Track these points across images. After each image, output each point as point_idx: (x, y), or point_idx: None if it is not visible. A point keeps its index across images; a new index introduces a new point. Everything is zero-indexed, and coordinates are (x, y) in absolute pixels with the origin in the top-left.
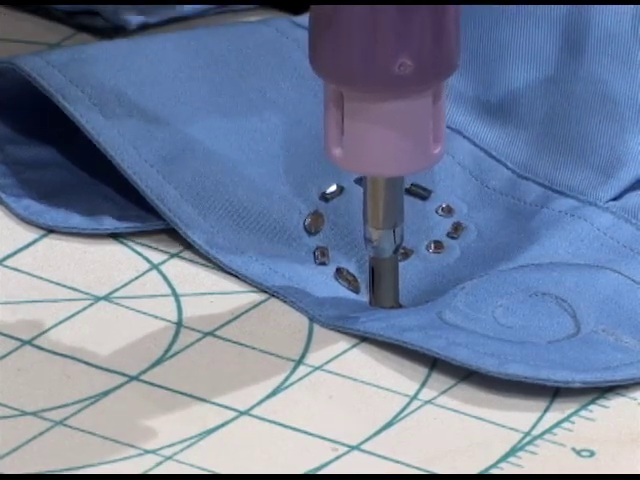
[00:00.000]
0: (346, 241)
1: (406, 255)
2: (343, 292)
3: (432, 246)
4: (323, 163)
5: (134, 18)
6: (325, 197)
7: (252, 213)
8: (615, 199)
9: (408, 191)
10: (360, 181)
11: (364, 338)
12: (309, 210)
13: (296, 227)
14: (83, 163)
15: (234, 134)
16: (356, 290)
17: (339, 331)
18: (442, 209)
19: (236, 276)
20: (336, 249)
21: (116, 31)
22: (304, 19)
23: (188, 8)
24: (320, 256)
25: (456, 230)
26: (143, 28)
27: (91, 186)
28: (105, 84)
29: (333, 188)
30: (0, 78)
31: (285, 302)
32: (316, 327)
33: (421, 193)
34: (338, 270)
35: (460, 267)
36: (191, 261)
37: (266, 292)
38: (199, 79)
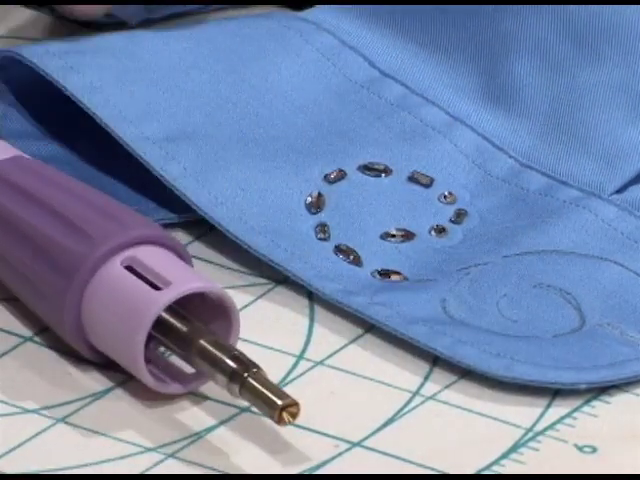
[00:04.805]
0: (348, 222)
1: (408, 237)
2: (344, 266)
3: (434, 230)
4: (325, 148)
5: (136, 14)
6: (328, 179)
7: (254, 189)
8: (619, 192)
9: (410, 179)
10: (364, 168)
11: (365, 331)
12: (310, 190)
13: (297, 205)
14: (85, 159)
15: (235, 118)
16: (357, 264)
17: (341, 317)
18: (444, 196)
19: (236, 270)
20: (337, 228)
21: (119, 27)
22: (306, 14)
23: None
24: (320, 232)
25: (459, 216)
26: (145, 24)
27: (93, 181)
28: (106, 70)
29: (335, 172)
30: (1, 72)
31: (286, 288)
32: (317, 322)
33: (423, 181)
34: (337, 247)
35: (463, 249)
36: (192, 257)
37: (265, 285)
38: (201, 67)
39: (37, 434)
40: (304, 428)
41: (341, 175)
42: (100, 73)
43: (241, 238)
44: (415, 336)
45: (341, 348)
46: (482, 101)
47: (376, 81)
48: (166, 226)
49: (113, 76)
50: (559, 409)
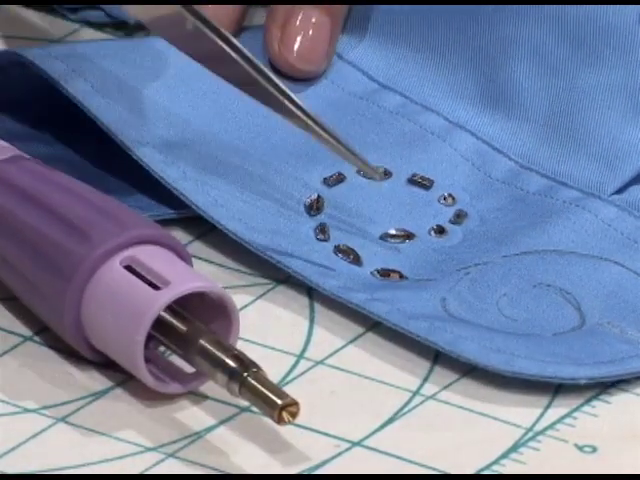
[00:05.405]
0: (347, 223)
1: (408, 238)
2: (344, 265)
3: (434, 231)
4: (324, 153)
5: None
6: (327, 183)
7: (254, 192)
8: (618, 192)
9: (410, 181)
10: (363, 171)
11: (365, 331)
12: (310, 193)
13: (297, 207)
14: (85, 159)
15: (234, 127)
16: (357, 263)
17: (341, 316)
18: (444, 198)
19: (236, 270)
20: (336, 229)
21: (118, 26)
22: None
23: None
24: (320, 233)
25: (458, 217)
26: None
27: (93, 181)
28: (107, 75)
29: (334, 175)
30: (2, 72)
31: (286, 288)
32: (317, 321)
33: (423, 183)
34: (337, 247)
35: (463, 248)
36: (192, 256)
37: (265, 285)
38: (200, 77)
39: (37, 434)
40: (304, 428)
41: (340, 178)
42: (102, 78)
43: (241, 236)
44: (416, 331)
45: (341, 348)
46: (481, 105)
47: (375, 93)
48: (166, 225)
49: (115, 81)
50: (559, 409)
